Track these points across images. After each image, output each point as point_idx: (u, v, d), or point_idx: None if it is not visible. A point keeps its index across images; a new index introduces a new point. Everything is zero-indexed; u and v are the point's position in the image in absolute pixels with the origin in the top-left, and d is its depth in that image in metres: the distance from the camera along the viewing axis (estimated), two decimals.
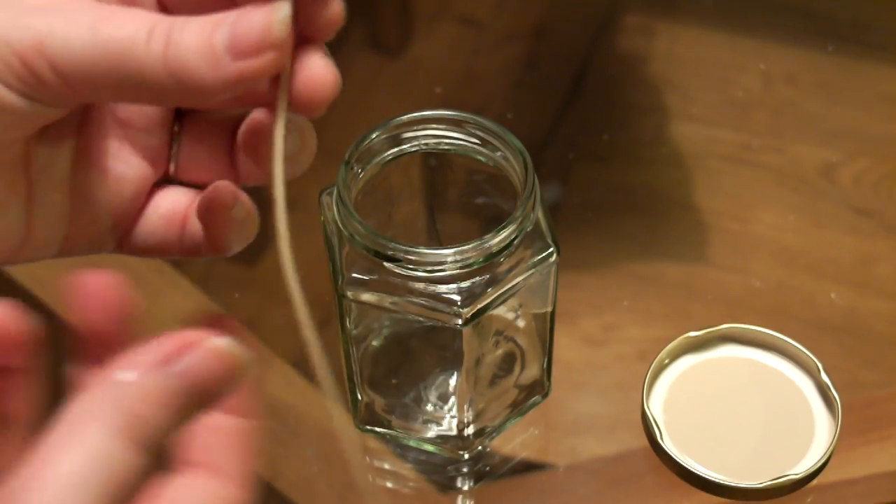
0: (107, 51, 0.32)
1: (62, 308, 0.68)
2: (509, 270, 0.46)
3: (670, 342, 0.62)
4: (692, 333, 0.62)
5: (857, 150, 0.77)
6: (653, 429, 0.58)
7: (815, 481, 0.57)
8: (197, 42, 0.32)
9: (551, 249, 0.46)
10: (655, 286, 0.70)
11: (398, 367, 0.53)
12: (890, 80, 0.83)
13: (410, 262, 0.44)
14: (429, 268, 0.44)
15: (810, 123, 0.80)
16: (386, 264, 0.44)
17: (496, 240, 0.44)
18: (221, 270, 0.71)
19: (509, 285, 0.45)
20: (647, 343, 0.65)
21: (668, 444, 0.58)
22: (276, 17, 0.32)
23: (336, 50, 0.36)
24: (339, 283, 0.45)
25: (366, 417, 0.55)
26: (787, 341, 0.62)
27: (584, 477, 0.61)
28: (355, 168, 0.47)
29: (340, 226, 0.45)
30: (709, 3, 0.89)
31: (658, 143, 0.78)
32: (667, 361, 0.62)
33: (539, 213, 0.47)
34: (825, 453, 0.57)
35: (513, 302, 0.48)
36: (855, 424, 0.60)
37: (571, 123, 0.80)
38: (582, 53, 0.85)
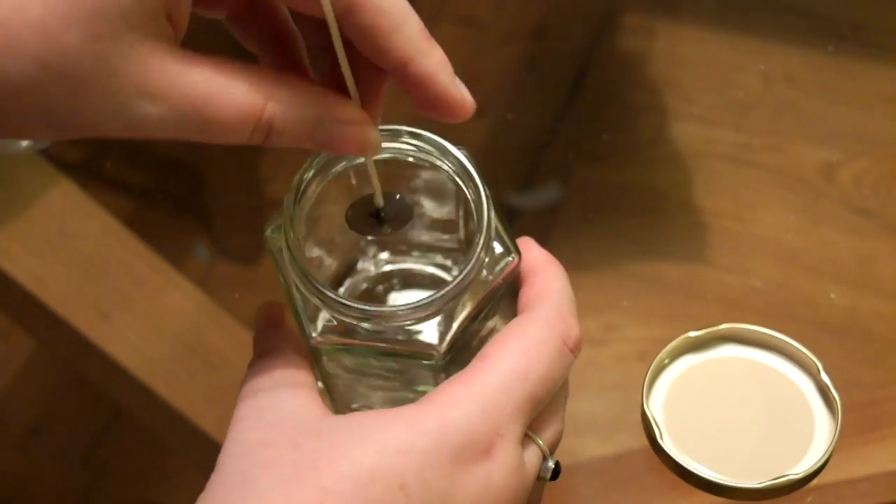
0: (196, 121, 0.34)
1: (62, 308, 0.69)
2: (475, 292, 0.44)
3: (670, 342, 0.62)
4: (692, 333, 0.62)
5: (857, 150, 0.77)
6: (653, 429, 0.58)
7: (815, 481, 0.57)
8: (293, 137, 0.36)
9: (511, 257, 0.43)
10: (655, 286, 0.70)
11: (378, 387, 0.51)
12: (890, 80, 0.83)
13: (378, 319, 0.42)
14: (396, 322, 0.42)
15: (810, 123, 0.80)
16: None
17: (457, 282, 0.42)
18: (221, 270, 0.71)
19: (478, 306, 0.43)
20: (647, 343, 0.65)
21: (668, 444, 0.58)
22: (371, 142, 0.37)
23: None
24: (308, 333, 0.43)
25: None
26: (787, 341, 0.62)
27: (584, 477, 0.61)
28: (299, 206, 0.43)
29: (296, 278, 0.42)
30: (709, 3, 0.89)
31: (658, 143, 0.78)
32: (667, 361, 0.62)
33: (493, 230, 0.43)
34: (825, 453, 0.57)
35: (488, 315, 0.46)
36: (855, 424, 0.60)
37: (571, 123, 0.80)
38: (582, 53, 0.85)
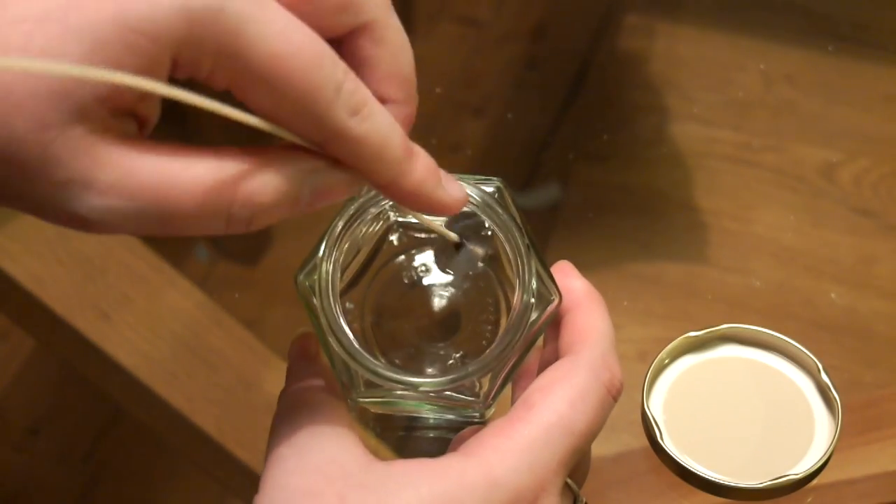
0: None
1: (62, 308, 0.69)
2: (515, 340, 0.43)
3: (670, 342, 0.61)
4: (692, 333, 0.62)
5: (857, 150, 0.77)
6: (653, 429, 0.58)
7: (815, 481, 0.57)
8: (279, 207, 0.33)
9: (552, 298, 0.42)
10: (655, 286, 0.70)
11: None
12: (890, 80, 0.83)
13: (418, 388, 0.41)
14: (437, 390, 0.42)
15: (810, 123, 0.80)
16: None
17: (500, 351, 0.40)
18: (221, 270, 0.71)
19: (519, 354, 0.43)
20: (647, 343, 0.65)
21: (668, 444, 0.58)
22: (358, 188, 0.35)
23: None
24: (347, 386, 0.42)
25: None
26: (787, 341, 0.62)
27: None
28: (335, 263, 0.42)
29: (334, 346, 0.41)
30: (709, 3, 0.89)
31: (658, 143, 0.78)
32: (667, 361, 0.62)
33: (533, 280, 0.42)
34: (825, 453, 0.57)
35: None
36: (855, 424, 0.60)
37: (571, 123, 0.80)
38: (582, 53, 0.85)
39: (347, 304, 0.43)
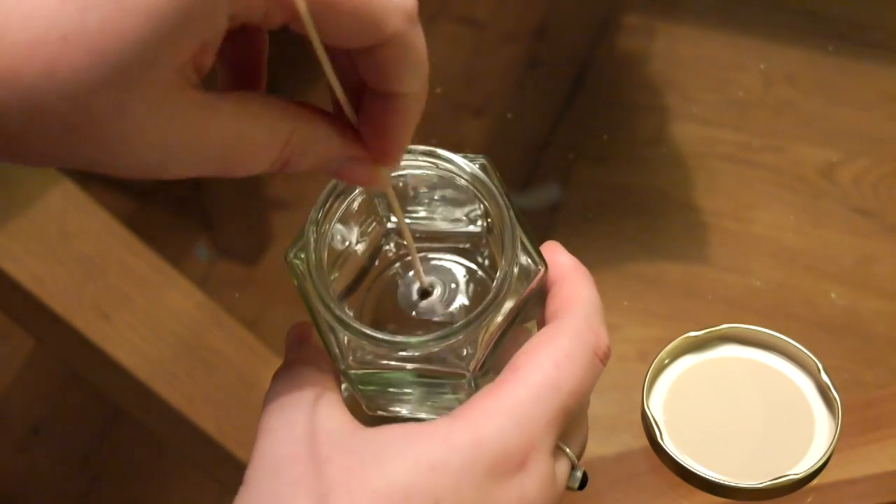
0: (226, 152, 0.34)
1: (62, 308, 0.69)
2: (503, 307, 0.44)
3: (670, 342, 0.62)
4: (692, 333, 0.62)
5: (857, 150, 0.77)
6: (653, 429, 0.58)
7: (815, 481, 0.57)
8: (307, 168, 0.36)
9: (538, 268, 0.43)
10: (655, 286, 0.70)
11: (408, 397, 0.51)
12: (890, 80, 0.83)
13: (406, 348, 0.42)
14: (425, 351, 0.42)
15: (810, 123, 0.80)
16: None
17: (484, 308, 0.41)
18: (221, 270, 0.71)
19: (507, 321, 0.43)
20: (647, 343, 0.65)
21: (668, 444, 0.58)
22: (382, 179, 0.38)
23: None
24: (337, 358, 0.43)
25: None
26: (787, 341, 0.62)
27: None
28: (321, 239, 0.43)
29: (324, 314, 0.42)
30: (709, 3, 0.89)
31: (658, 143, 0.78)
32: (667, 361, 0.62)
33: (518, 246, 0.43)
34: (825, 453, 0.57)
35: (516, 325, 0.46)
36: (855, 424, 0.60)
37: (571, 123, 0.80)
38: (582, 53, 0.85)
39: (346, 309, 0.44)
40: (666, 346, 0.61)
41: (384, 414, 0.49)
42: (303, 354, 0.41)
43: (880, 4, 0.88)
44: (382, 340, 0.40)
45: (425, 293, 0.45)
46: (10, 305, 0.73)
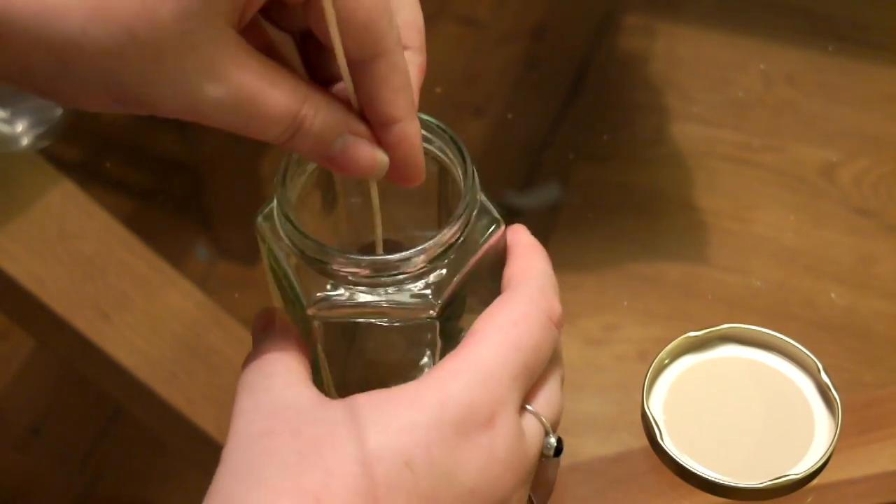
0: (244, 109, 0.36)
1: (62, 308, 0.69)
2: (466, 256, 0.46)
3: (670, 342, 0.62)
4: (692, 333, 0.62)
5: (857, 150, 0.77)
6: (653, 429, 0.58)
7: (815, 481, 0.57)
8: (314, 143, 0.38)
9: (498, 225, 0.46)
10: (655, 286, 0.70)
11: (382, 377, 0.52)
12: (890, 80, 0.83)
13: (379, 268, 0.43)
14: (393, 273, 0.43)
15: (810, 123, 0.80)
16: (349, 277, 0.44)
17: (454, 229, 0.44)
18: (221, 270, 0.71)
19: (469, 268, 0.45)
20: (647, 343, 0.65)
21: (668, 444, 0.58)
22: (380, 163, 0.39)
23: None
24: (305, 305, 0.44)
25: None
26: (787, 341, 0.62)
27: (584, 477, 0.61)
28: (289, 184, 0.46)
29: (290, 246, 0.44)
30: (709, 3, 0.89)
31: (658, 143, 0.78)
32: (667, 361, 0.62)
33: (480, 195, 0.46)
34: (825, 453, 0.57)
35: (477, 283, 0.47)
36: (855, 424, 0.60)
37: (571, 123, 0.80)
38: (582, 53, 0.85)
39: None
40: (666, 346, 0.61)
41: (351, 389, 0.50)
42: (268, 339, 0.42)
43: (880, 4, 0.88)
44: (357, 260, 0.42)
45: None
46: (10, 305, 0.73)
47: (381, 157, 0.39)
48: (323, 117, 0.37)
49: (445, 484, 0.36)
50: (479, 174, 0.45)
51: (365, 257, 0.42)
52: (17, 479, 0.85)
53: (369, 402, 0.37)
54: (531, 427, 0.41)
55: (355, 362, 0.49)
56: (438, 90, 0.80)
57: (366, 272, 0.42)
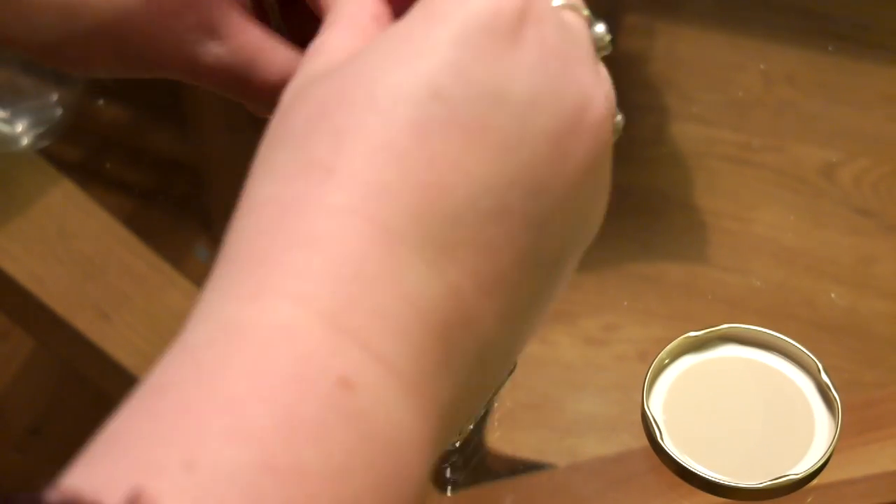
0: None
1: (62, 308, 0.68)
2: None
3: (670, 342, 0.61)
4: (692, 333, 0.62)
5: (857, 150, 0.77)
6: (653, 429, 0.58)
7: (815, 481, 0.57)
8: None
9: None
10: (655, 286, 0.70)
11: None
12: (890, 80, 0.83)
13: None
14: None
15: (810, 123, 0.80)
16: None
17: None
18: None
19: None
20: (647, 343, 0.65)
21: (668, 444, 0.58)
22: None
23: None
24: None
25: None
26: (787, 341, 0.62)
27: (584, 477, 0.61)
28: None
29: None
30: (709, 3, 0.89)
31: (658, 143, 0.78)
32: (667, 361, 0.62)
33: None
34: (825, 453, 0.57)
35: None
36: (855, 424, 0.60)
37: None
38: None
39: None
40: (666, 346, 0.61)
41: None
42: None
43: (880, 4, 0.88)
44: None
45: None
46: (10, 305, 0.73)
47: None
48: None
49: (492, 104, 0.27)
50: None
51: None
52: (17, 479, 0.85)
53: (379, 42, 0.28)
54: (568, 17, 0.31)
55: None
56: None
57: None
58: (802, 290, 0.69)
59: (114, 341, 0.68)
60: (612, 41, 0.33)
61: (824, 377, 0.60)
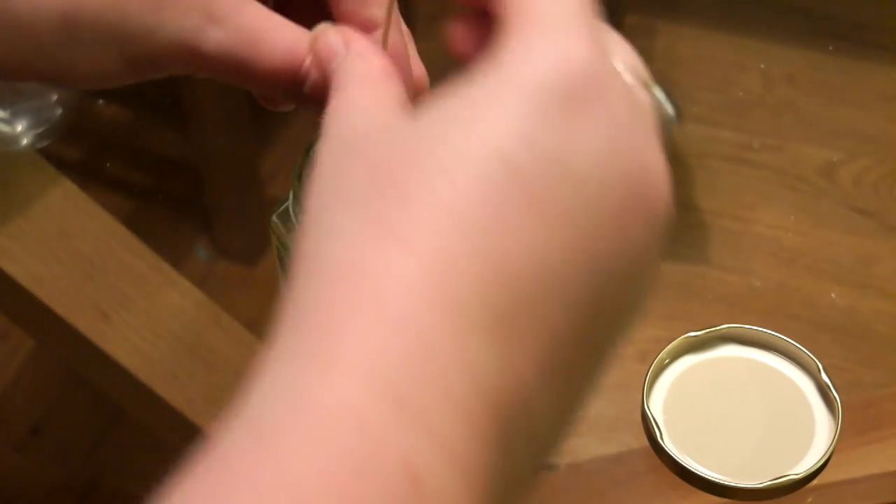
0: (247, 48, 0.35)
1: (62, 308, 0.68)
2: None
3: (670, 342, 0.61)
4: (692, 333, 0.62)
5: (857, 150, 0.77)
6: (653, 429, 0.58)
7: (815, 481, 0.57)
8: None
9: None
10: (655, 286, 0.70)
11: None
12: (890, 80, 0.83)
13: None
14: None
15: (810, 123, 0.80)
16: None
17: None
18: (221, 270, 0.71)
19: None
20: (647, 343, 0.65)
21: (668, 444, 0.58)
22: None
23: None
24: None
25: None
26: (787, 341, 0.62)
27: (584, 477, 0.61)
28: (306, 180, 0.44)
29: None
30: (709, 3, 0.89)
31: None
32: (667, 361, 0.62)
33: None
34: (825, 453, 0.57)
35: None
36: (855, 424, 0.60)
37: None
38: None
39: None
40: (666, 346, 0.61)
41: None
42: (350, 62, 0.34)
43: (880, 4, 0.88)
44: None
45: None
46: (10, 305, 0.73)
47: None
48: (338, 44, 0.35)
49: (560, 176, 0.26)
50: None
51: None
52: (17, 479, 0.85)
53: (446, 104, 0.28)
54: (636, 88, 0.30)
55: None
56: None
57: None
58: (802, 290, 0.69)
59: (114, 341, 0.68)
60: (679, 115, 0.31)
61: (824, 377, 0.60)
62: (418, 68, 0.39)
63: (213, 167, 0.94)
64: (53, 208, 0.72)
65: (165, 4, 0.34)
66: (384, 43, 0.36)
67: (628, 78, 0.30)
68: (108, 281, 0.70)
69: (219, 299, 0.70)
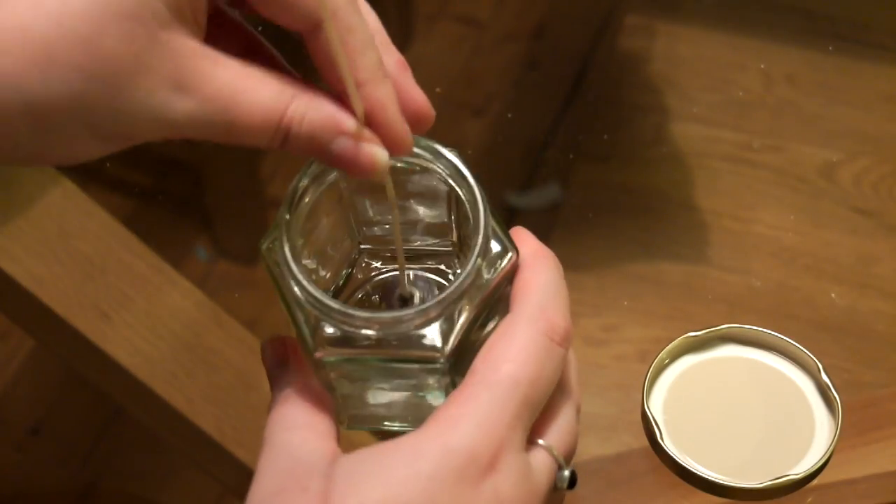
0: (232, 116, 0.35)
1: (62, 308, 0.69)
2: (476, 292, 0.44)
3: (670, 342, 0.62)
4: (692, 333, 0.62)
5: (857, 150, 0.77)
6: (653, 429, 0.58)
7: (815, 481, 0.57)
8: (308, 143, 0.36)
9: (509, 255, 0.43)
10: (655, 286, 0.70)
11: (384, 395, 0.51)
12: (890, 80, 0.83)
13: (381, 326, 0.42)
14: (399, 329, 0.42)
15: (810, 123, 0.80)
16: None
17: (457, 284, 0.41)
18: (221, 270, 0.71)
19: (479, 306, 0.43)
20: (647, 343, 0.65)
21: (668, 444, 0.58)
22: (380, 163, 0.37)
23: None
24: (311, 347, 0.43)
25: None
26: (787, 341, 0.62)
27: (584, 477, 0.61)
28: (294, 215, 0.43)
29: (297, 297, 0.42)
30: (709, 3, 0.89)
31: (658, 143, 0.78)
32: (667, 361, 0.62)
33: (490, 230, 0.43)
34: (825, 453, 0.57)
35: (490, 316, 0.46)
36: (855, 424, 0.60)
37: (571, 123, 0.80)
38: (582, 53, 0.85)
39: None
40: (666, 346, 0.61)
41: (364, 429, 0.49)
42: (286, 382, 0.42)
43: (880, 4, 0.88)
44: (358, 318, 0.40)
45: (404, 301, 0.45)
46: (10, 305, 0.73)
47: (381, 154, 0.38)
48: (311, 119, 0.36)
49: None
50: (478, 174, 0.44)
51: (373, 315, 0.40)
52: (17, 479, 0.85)
53: (374, 455, 0.37)
54: (540, 461, 0.40)
55: (363, 397, 0.48)
56: (438, 90, 0.80)
57: (374, 329, 0.41)
58: (802, 290, 0.69)
59: (114, 341, 0.68)
60: (573, 483, 0.41)
61: (824, 377, 0.60)
62: (418, 95, 0.39)
63: (213, 167, 0.94)
64: (53, 208, 0.72)
65: (130, 86, 0.33)
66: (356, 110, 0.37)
67: (541, 458, 0.39)
68: (108, 281, 0.70)
69: (219, 299, 0.70)
